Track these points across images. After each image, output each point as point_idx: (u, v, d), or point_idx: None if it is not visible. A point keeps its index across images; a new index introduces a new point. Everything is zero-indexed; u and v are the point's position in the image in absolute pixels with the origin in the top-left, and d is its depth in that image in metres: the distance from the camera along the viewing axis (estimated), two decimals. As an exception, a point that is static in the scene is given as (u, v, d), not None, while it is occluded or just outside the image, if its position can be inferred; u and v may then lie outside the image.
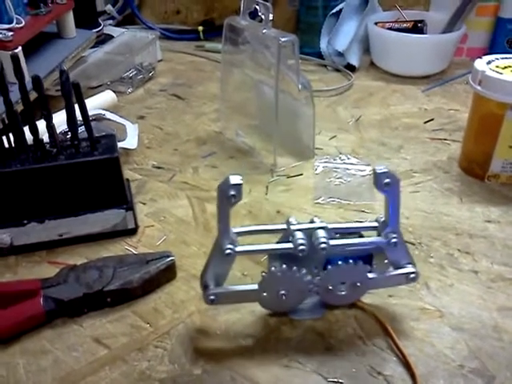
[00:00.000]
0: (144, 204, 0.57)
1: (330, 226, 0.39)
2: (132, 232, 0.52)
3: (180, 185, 0.60)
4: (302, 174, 0.62)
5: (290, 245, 0.38)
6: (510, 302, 0.43)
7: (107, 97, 0.74)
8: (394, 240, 0.39)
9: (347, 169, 0.62)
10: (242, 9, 0.60)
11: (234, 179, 0.34)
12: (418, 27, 0.89)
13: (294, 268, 0.38)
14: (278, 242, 0.40)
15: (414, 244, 0.50)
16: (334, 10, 0.91)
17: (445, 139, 0.69)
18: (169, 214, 0.55)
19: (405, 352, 0.38)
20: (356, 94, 0.84)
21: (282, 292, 0.39)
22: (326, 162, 0.64)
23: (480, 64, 0.56)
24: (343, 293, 0.40)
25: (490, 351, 0.39)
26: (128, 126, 0.67)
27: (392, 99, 0.82)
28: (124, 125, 0.67)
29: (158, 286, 0.45)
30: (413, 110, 0.78)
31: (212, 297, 0.38)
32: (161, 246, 0.50)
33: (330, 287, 0.39)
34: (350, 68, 0.92)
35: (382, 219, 0.40)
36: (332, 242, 0.38)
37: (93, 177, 0.48)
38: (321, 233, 0.39)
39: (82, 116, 0.47)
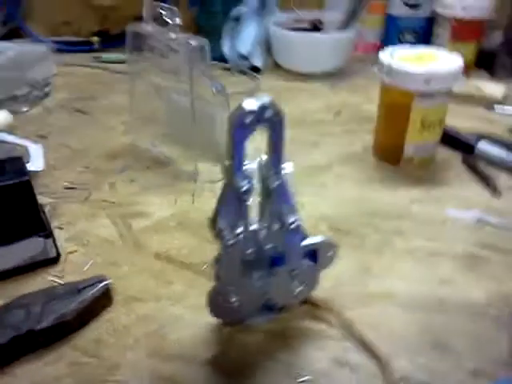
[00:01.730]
0: (61, 229, 0.52)
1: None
2: (54, 261, 0.47)
3: (98, 204, 0.56)
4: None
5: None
6: (446, 274, 0.45)
7: (0, 117, 0.67)
8: (276, 183, 0.34)
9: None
10: (144, 14, 0.57)
11: (251, 104, 0.30)
12: (315, 26, 0.92)
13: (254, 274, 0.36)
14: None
15: (348, 233, 0.51)
16: (233, 14, 0.91)
17: (356, 131, 0.72)
18: (91, 236, 0.51)
19: (364, 337, 0.38)
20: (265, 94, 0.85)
21: (234, 299, 0.38)
22: (245, 164, 0.63)
23: (385, 56, 0.59)
24: (299, 289, 0.39)
25: (441, 323, 0.40)
26: (30, 147, 0.61)
27: (301, 98, 0.84)
28: (25, 146, 0.61)
29: (95, 314, 0.41)
30: (322, 106, 0.80)
31: (232, 241, 0.34)
32: (89, 272, 0.46)
33: (286, 289, 0.38)
34: (255, 70, 0.92)
35: (263, 163, 0.35)
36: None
37: (2, 205, 0.43)
38: (263, 232, 0.37)
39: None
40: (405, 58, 0.58)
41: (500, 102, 0.78)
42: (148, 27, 0.58)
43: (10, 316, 0.38)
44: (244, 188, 0.33)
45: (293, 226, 0.35)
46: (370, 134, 0.70)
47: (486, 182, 0.58)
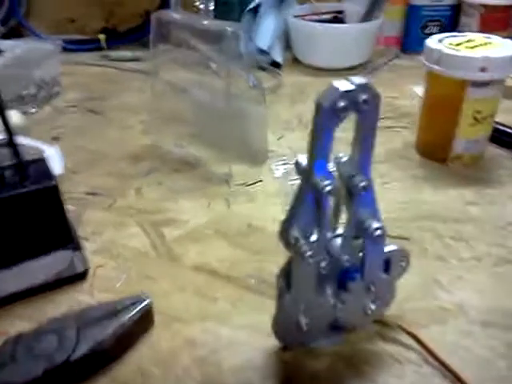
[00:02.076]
0: (86, 240, 0.47)
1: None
2: (81, 276, 0.42)
3: (125, 211, 0.51)
4: (261, 180, 0.55)
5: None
6: (523, 285, 0.40)
7: (12, 118, 0.62)
8: (363, 183, 0.29)
9: (308, 168, 0.57)
10: (172, 0, 0.52)
11: (343, 84, 0.25)
12: (337, 18, 0.87)
13: (326, 289, 0.31)
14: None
15: (406, 239, 0.46)
16: (250, 6, 0.86)
17: (393, 127, 0.67)
18: (121, 247, 0.46)
19: (449, 364, 0.33)
20: (288, 91, 0.80)
21: (304, 320, 0.32)
22: (284, 164, 0.58)
23: (433, 43, 0.54)
24: (372, 308, 0.34)
25: (528, 343, 0.35)
26: (47, 150, 0.56)
27: (326, 93, 0.79)
28: (41, 149, 0.56)
29: (135, 340, 0.36)
30: (351, 101, 0.76)
31: (310, 252, 0.29)
32: (122, 288, 0.41)
33: (360, 306, 0.33)
34: (275, 65, 0.87)
35: (344, 159, 0.30)
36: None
37: (26, 214, 0.37)
38: (338, 241, 0.32)
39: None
40: (455, 44, 0.53)
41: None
42: (175, 14, 0.53)
43: (40, 344, 0.33)
44: (328, 188, 0.27)
45: (377, 234, 0.30)
46: (408, 130, 0.65)
47: (545, 179, 0.53)
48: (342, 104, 0.25)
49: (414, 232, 0.47)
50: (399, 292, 0.37)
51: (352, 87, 0.25)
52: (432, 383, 0.33)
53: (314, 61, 0.87)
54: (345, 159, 0.30)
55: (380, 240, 0.30)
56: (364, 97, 0.25)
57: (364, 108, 0.26)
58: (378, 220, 0.30)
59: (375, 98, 0.26)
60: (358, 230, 0.30)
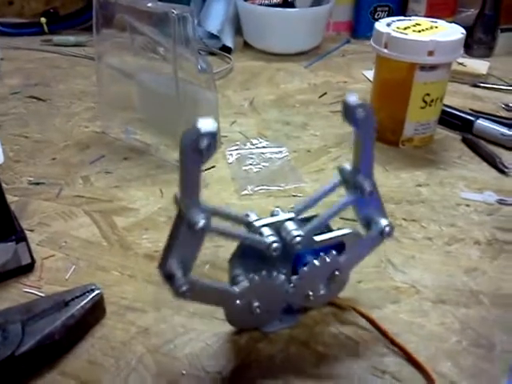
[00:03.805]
0: (32, 231, 0.44)
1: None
2: (28, 269, 0.40)
3: (73, 200, 0.49)
4: (214, 166, 0.54)
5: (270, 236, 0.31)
6: (471, 262, 0.42)
7: None
8: (369, 188, 0.31)
9: (262, 153, 0.56)
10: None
11: (206, 124, 0.25)
12: (287, 2, 0.87)
13: (274, 274, 0.31)
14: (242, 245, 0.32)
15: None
16: (199, -11, 0.84)
17: (345, 111, 0.67)
18: (69, 237, 0.44)
19: (400, 342, 0.34)
20: (240, 76, 0.79)
21: (256, 304, 0.32)
22: (237, 150, 0.57)
23: (382, 26, 0.55)
24: (322, 292, 0.34)
25: (478, 317, 0.36)
26: (-15, 138, 0.53)
27: (278, 78, 0.78)
28: (-22, 137, 0.53)
29: (86, 330, 0.34)
30: (303, 86, 0.75)
31: (184, 287, 0.28)
32: (72, 280, 0.39)
33: (310, 292, 0.33)
34: (226, 50, 0.86)
35: (349, 168, 0.33)
36: (304, 234, 0.31)
37: (-37, 205, 0.35)
38: (290, 225, 0.32)
39: None
40: (402, 28, 0.54)
41: (484, 79, 0.76)
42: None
43: (-17, 341, 0.31)
44: (200, 225, 0.27)
45: (387, 230, 0.33)
46: (360, 114, 0.66)
47: (491, 160, 0.55)
48: (204, 144, 0.25)
49: (367, 214, 0.47)
50: (353, 273, 0.37)
51: (214, 128, 0.25)
52: (387, 361, 0.33)
53: (264, 45, 0.87)
54: (349, 168, 0.33)
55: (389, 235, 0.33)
56: (359, 114, 0.28)
57: (359, 122, 0.29)
58: (385, 217, 0.34)
59: (369, 114, 0.28)
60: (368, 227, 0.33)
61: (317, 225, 0.32)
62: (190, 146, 0.25)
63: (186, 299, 0.29)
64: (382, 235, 0.33)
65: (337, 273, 0.34)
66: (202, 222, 0.27)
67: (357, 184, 0.32)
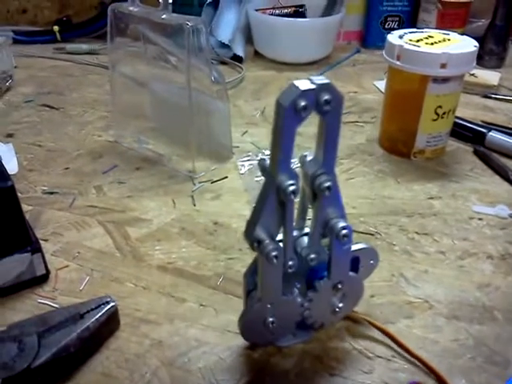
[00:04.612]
0: (46, 241, 0.45)
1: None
2: (43, 279, 0.40)
3: (86, 210, 0.49)
4: (226, 177, 0.55)
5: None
6: (484, 277, 0.41)
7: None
8: (327, 184, 0.28)
9: (274, 164, 0.57)
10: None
11: (304, 84, 0.24)
12: (299, 12, 0.87)
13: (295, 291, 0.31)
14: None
15: (372, 234, 0.46)
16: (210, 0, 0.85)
17: (356, 122, 0.68)
18: (83, 247, 0.44)
19: (418, 354, 0.34)
20: (251, 85, 0.79)
21: (271, 320, 0.32)
22: (249, 160, 0.57)
23: (394, 39, 0.55)
24: (340, 306, 0.34)
25: (492, 334, 0.36)
26: (0, 147, 0.53)
27: (289, 87, 0.78)
28: (-7, 146, 0.54)
29: (101, 343, 0.35)
30: (314, 96, 0.76)
31: (275, 252, 0.28)
32: (86, 291, 0.40)
33: (327, 304, 0.33)
34: (237, 59, 0.86)
35: (309, 157, 0.29)
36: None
37: (-20, 217, 0.35)
38: (305, 240, 0.32)
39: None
40: (415, 40, 0.54)
41: (495, 90, 0.76)
42: (132, 7, 0.51)
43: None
44: (291, 188, 0.27)
45: (343, 233, 0.30)
46: (371, 125, 0.66)
47: (503, 173, 0.55)
48: (302, 103, 0.24)
49: (380, 227, 0.47)
50: (366, 288, 0.37)
51: (312, 86, 0.24)
52: (401, 377, 0.33)
53: (275, 55, 0.87)
54: (310, 158, 0.29)
55: (346, 239, 0.30)
56: (326, 97, 0.25)
57: (326, 108, 0.25)
58: (344, 219, 0.30)
59: (337, 98, 0.26)
60: (324, 229, 0.30)
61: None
62: (289, 106, 0.24)
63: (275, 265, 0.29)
64: (339, 237, 0.29)
65: (339, 286, 0.33)
66: (292, 187, 0.27)
67: (314, 178, 0.28)
